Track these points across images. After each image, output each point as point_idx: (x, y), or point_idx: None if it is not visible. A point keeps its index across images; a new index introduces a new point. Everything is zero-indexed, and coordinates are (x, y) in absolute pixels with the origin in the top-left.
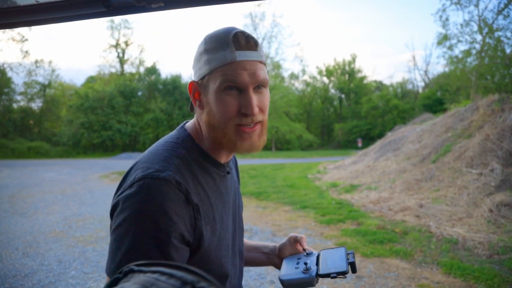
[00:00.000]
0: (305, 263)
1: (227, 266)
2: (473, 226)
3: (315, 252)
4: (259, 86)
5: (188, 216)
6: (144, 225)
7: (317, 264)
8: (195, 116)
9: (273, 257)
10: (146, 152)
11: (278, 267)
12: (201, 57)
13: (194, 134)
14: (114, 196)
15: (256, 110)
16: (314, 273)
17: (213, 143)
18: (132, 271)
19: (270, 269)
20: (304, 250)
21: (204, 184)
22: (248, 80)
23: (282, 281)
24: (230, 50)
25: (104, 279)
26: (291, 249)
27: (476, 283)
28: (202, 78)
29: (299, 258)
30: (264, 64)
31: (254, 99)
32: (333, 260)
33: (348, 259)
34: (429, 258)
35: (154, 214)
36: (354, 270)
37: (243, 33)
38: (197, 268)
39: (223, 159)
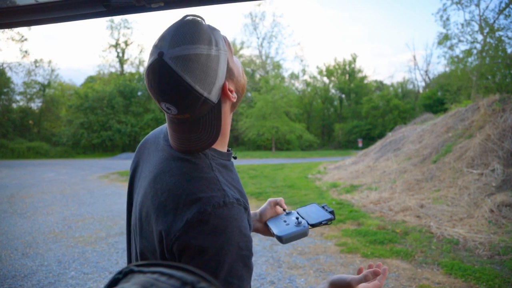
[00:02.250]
0: (297, 218)
1: None
2: (474, 227)
3: (294, 212)
4: None
5: (247, 221)
6: (231, 252)
7: (303, 218)
8: None
9: (255, 223)
10: (176, 179)
11: (260, 231)
12: (211, 60)
13: None
14: (167, 237)
15: None
16: (306, 225)
17: (227, 128)
18: (132, 272)
19: (270, 269)
20: (284, 210)
21: (233, 182)
22: None
23: (280, 237)
24: (212, 28)
25: (104, 280)
26: (272, 211)
27: (477, 284)
28: (227, 70)
29: (281, 218)
30: None
31: None
32: (314, 213)
33: (326, 210)
34: (429, 259)
35: (235, 238)
36: (334, 216)
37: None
38: None
39: (226, 147)
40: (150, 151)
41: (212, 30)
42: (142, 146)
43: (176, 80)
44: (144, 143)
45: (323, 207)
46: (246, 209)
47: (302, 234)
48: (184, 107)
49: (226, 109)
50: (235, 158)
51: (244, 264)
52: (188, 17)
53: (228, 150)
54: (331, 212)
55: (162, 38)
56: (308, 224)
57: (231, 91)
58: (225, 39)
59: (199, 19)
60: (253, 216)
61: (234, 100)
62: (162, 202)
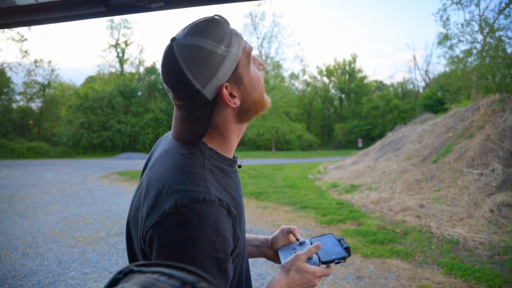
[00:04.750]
0: None
1: (247, 259)
2: (474, 227)
3: (308, 241)
4: None
5: (231, 227)
6: (203, 250)
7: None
8: None
9: (265, 249)
10: (167, 170)
11: (270, 258)
12: (214, 57)
13: (204, 137)
14: (143, 223)
15: None
16: (317, 261)
17: (231, 135)
18: (132, 272)
19: (271, 269)
20: (297, 239)
21: (228, 187)
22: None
23: None
24: (235, 33)
25: (104, 280)
26: (284, 240)
27: (477, 284)
28: (232, 73)
29: (294, 248)
30: None
31: None
32: (328, 246)
33: (342, 245)
34: (429, 259)
35: (210, 237)
36: (349, 254)
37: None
38: (234, 268)
39: (232, 154)
40: (159, 146)
41: (231, 33)
42: (158, 142)
43: (174, 65)
44: (159, 140)
45: (339, 240)
46: (230, 213)
47: None
48: (177, 92)
49: (227, 113)
50: (239, 167)
51: (219, 267)
52: (213, 16)
53: (234, 157)
54: (347, 249)
55: (183, 28)
56: (320, 261)
57: (232, 96)
58: (246, 48)
59: (220, 19)
60: (265, 242)
61: (234, 106)
62: (149, 190)
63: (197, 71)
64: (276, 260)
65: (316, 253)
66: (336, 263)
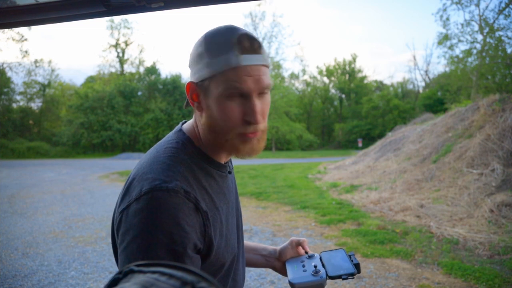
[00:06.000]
0: (315, 266)
1: (243, 274)
2: (474, 227)
3: (317, 255)
4: (262, 92)
5: (198, 224)
6: (159, 239)
7: (323, 266)
8: (193, 116)
9: (273, 260)
10: (146, 160)
11: (277, 270)
12: (200, 58)
13: (193, 137)
14: (117, 210)
15: (260, 118)
16: (324, 275)
17: (213, 145)
18: (132, 272)
19: (270, 269)
20: (306, 252)
21: (208, 188)
22: (253, 86)
23: (293, 285)
24: (234, 54)
25: (104, 280)
26: (293, 252)
27: (477, 284)
28: (202, 81)
29: (302, 261)
30: (268, 67)
31: (258, 106)
32: (337, 261)
33: (352, 261)
34: (429, 259)
35: (167, 226)
36: (359, 271)
37: (247, 34)
38: (209, 271)
39: (223, 160)
40: None
41: (227, 49)
42: None
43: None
44: None
45: (349, 256)
46: (199, 209)
47: (317, 286)
48: None
49: (199, 115)
50: (229, 173)
51: (175, 261)
52: (239, 29)
53: (225, 163)
54: (356, 265)
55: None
56: (327, 275)
57: (193, 98)
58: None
59: (246, 33)
60: (273, 253)
61: (194, 107)
62: (127, 181)
63: (192, 53)
64: (283, 272)
65: (324, 267)
66: (343, 279)
